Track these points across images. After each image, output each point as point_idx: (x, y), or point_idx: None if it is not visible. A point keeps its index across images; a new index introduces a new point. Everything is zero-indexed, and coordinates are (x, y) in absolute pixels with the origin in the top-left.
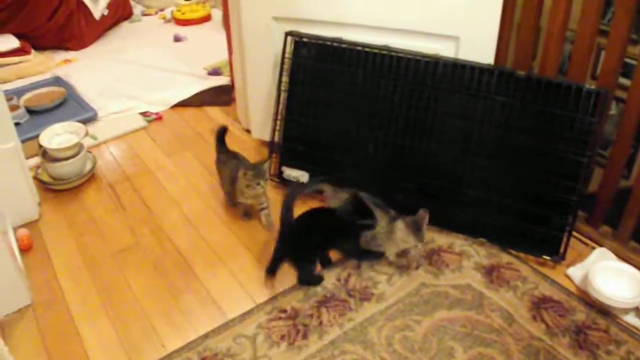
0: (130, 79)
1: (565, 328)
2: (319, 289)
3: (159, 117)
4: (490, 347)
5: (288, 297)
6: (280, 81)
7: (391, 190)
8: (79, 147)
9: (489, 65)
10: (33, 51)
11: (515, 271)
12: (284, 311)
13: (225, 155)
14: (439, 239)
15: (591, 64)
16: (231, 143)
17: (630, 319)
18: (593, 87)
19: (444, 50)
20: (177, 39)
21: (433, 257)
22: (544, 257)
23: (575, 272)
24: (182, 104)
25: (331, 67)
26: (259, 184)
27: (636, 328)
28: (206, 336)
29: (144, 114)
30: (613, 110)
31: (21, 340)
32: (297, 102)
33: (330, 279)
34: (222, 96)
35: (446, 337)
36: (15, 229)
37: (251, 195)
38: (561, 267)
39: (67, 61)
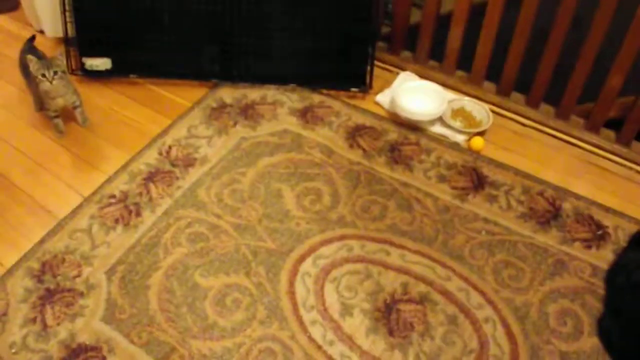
0: None
1: (380, 149)
2: (142, 166)
3: None
4: (314, 180)
5: (114, 182)
6: None
7: (194, 56)
8: None
9: None
10: None
11: (328, 108)
12: (113, 196)
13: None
14: (251, 93)
15: None
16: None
17: (437, 128)
18: None
19: None
20: None
21: (248, 112)
22: (352, 89)
23: (384, 98)
24: None
25: None
26: (44, 75)
27: (442, 135)
28: (42, 241)
29: None
30: None
31: None
32: None
33: (152, 154)
34: (5, 2)
35: (272, 181)
36: None
37: (47, 91)
38: (370, 96)
39: None
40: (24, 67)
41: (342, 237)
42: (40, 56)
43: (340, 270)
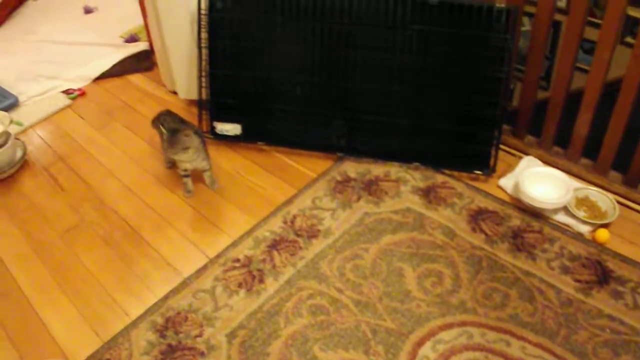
0: (46, 58)
1: (503, 234)
2: (266, 233)
3: (82, 93)
4: (436, 262)
5: (239, 246)
6: (199, 38)
7: (322, 129)
8: (6, 135)
9: None
10: None
11: (451, 189)
12: (237, 260)
13: (170, 119)
14: (375, 169)
15: None
16: (159, 107)
17: (561, 217)
18: (503, 5)
19: None
20: (87, 10)
21: (372, 187)
22: (476, 172)
23: (507, 182)
24: (104, 75)
25: (248, 16)
26: (176, 153)
27: (566, 225)
28: (166, 297)
29: (66, 91)
30: (527, 26)
31: None
32: (219, 56)
33: (277, 222)
34: (143, 62)
35: (394, 260)
36: None
37: (181, 159)
38: (493, 179)
39: None
40: (161, 127)
41: (462, 323)
42: (175, 131)
43: (460, 357)
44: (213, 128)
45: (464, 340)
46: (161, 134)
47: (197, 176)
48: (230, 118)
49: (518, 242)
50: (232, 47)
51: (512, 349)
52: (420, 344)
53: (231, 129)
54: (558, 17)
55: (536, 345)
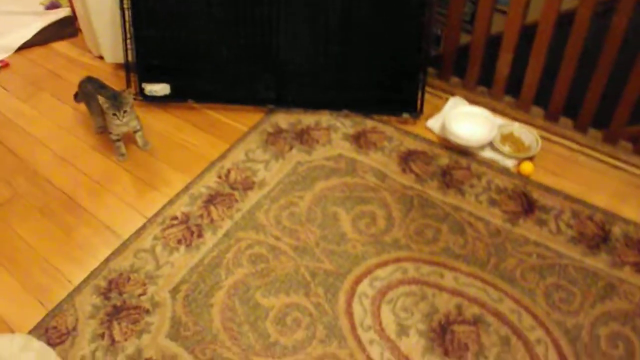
0: None
1: (432, 173)
2: (202, 189)
3: (5, 65)
4: (369, 203)
5: (176, 204)
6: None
7: (251, 84)
8: None
9: None
10: None
11: (381, 133)
12: (175, 218)
13: (91, 85)
14: (306, 119)
15: None
16: (86, 74)
17: (487, 153)
18: None
19: None
20: None
21: (303, 137)
22: (404, 115)
23: (434, 123)
24: (27, 45)
25: None
26: (115, 114)
27: (493, 160)
28: (107, 260)
29: None
30: None
31: None
32: (143, 17)
33: (212, 178)
34: (66, 29)
35: (329, 205)
36: None
37: (117, 124)
38: (421, 121)
39: None
40: (85, 95)
41: (397, 260)
42: (109, 94)
43: (396, 292)
44: (142, 90)
45: (399, 276)
46: (89, 102)
47: (129, 139)
48: (158, 78)
49: (447, 179)
50: (155, 7)
51: (446, 280)
52: (357, 282)
53: (160, 89)
54: None
55: (468, 274)
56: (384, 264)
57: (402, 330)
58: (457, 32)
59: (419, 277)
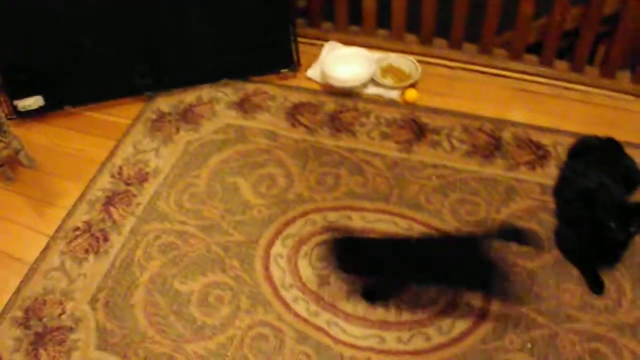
0: None
1: (321, 122)
2: (98, 193)
3: None
4: (265, 166)
5: (75, 215)
6: None
7: (126, 75)
8: None
9: None
10: None
11: (264, 94)
12: (77, 229)
13: None
14: (187, 97)
15: None
16: None
17: (371, 90)
18: None
19: None
20: None
21: (188, 116)
22: (282, 70)
23: (314, 72)
24: None
25: None
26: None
27: (377, 95)
28: (18, 290)
29: None
30: None
31: None
32: (2, 34)
33: (105, 179)
34: None
35: (226, 177)
36: None
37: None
38: (301, 73)
39: None
40: None
41: (304, 214)
42: None
43: (309, 245)
44: (14, 107)
45: (309, 228)
46: None
47: (13, 161)
48: (29, 92)
49: (337, 124)
50: (11, 21)
51: (354, 221)
52: (270, 245)
53: (33, 102)
54: None
55: (374, 211)
56: (292, 221)
57: (323, 280)
58: None
59: (329, 224)
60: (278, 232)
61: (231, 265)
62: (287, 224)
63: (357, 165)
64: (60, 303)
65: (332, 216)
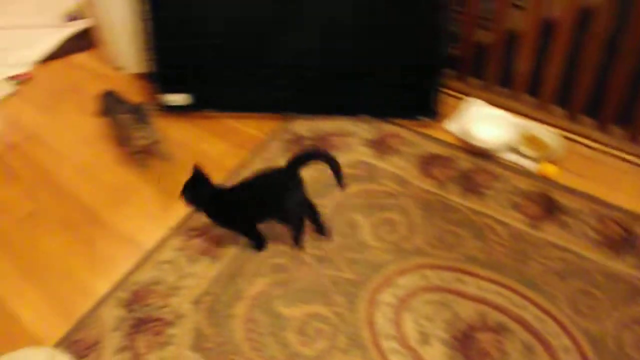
0: None
1: (452, 177)
2: None
3: (28, 77)
4: (389, 210)
5: (196, 215)
6: (142, 10)
7: (270, 91)
8: None
9: None
10: None
11: (400, 138)
12: (197, 229)
13: (111, 99)
14: (324, 125)
15: None
16: (107, 84)
17: (508, 156)
18: None
19: None
20: None
21: (323, 143)
22: (422, 118)
23: (453, 125)
24: (48, 58)
25: None
26: (136, 127)
27: (513, 163)
28: (130, 273)
29: (11, 78)
30: None
31: None
32: (163, 28)
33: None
34: (85, 41)
35: (349, 212)
36: None
37: (139, 137)
38: (440, 124)
39: None
40: (106, 109)
41: (418, 267)
42: (130, 108)
43: (418, 300)
44: (162, 100)
45: (420, 283)
46: (109, 116)
47: (150, 151)
48: (178, 89)
49: (467, 183)
50: (174, 18)
51: (468, 286)
52: (378, 290)
53: (180, 99)
54: None
55: (490, 280)
56: (405, 271)
57: (425, 339)
58: (473, 29)
59: (441, 283)
60: (389, 280)
61: (336, 301)
62: (400, 273)
63: (480, 229)
64: (166, 296)
65: (447, 276)
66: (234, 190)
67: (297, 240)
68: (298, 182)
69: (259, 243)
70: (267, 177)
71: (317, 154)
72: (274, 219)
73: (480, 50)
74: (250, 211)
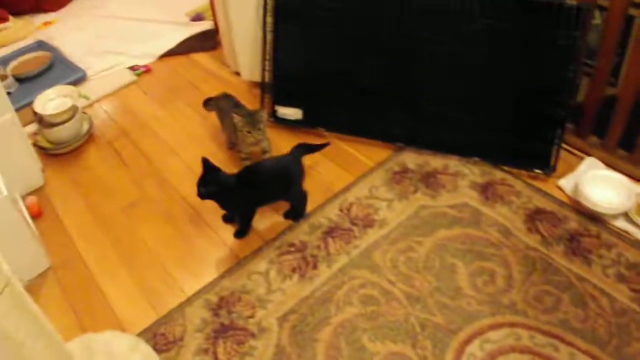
0: (114, 34)
1: (559, 237)
2: (322, 220)
3: (147, 70)
4: (489, 260)
5: (295, 231)
6: (265, 22)
7: (383, 119)
8: (74, 109)
9: None
10: (11, 17)
11: (509, 187)
12: (292, 245)
13: (227, 102)
14: (434, 161)
15: None
16: (222, 87)
17: (621, 223)
18: (574, 2)
19: None
20: None
21: (429, 180)
22: (536, 170)
23: (566, 182)
24: (169, 53)
25: (314, 1)
26: (249, 132)
27: (626, 232)
28: (221, 277)
29: (132, 68)
30: (598, 19)
31: (47, 303)
32: (284, 40)
33: (333, 209)
34: (207, 41)
35: (447, 255)
36: (23, 197)
37: (249, 143)
38: (552, 179)
39: (47, 23)
40: (220, 111)
41: (511, 324)
42: (244, 113)
43: (507, 358)
44: (274, 112)
45: (512, 342)
46: (222, 118)
47: (258, 158)
48: (291, 102)
49: (574, 245)
50: (297, 31)
51: (561, 354)
52: (468, 341)
53: (292, 113)
54: (631, 11)
55: (585, 352)
56: (498, 326)
57: None
58: (603, 87)
59: (533, 346)
60: (480, 332)
61: (423, 345)
62: (492, 327)
63: (582, 297)
64: (253, 307)
65: (540, 340)
66: (241, 175)
67: (299, 213)
68: (302, 167)
69: (245, 230)
70: (277, 161)
71: (318, 147)
72: (281, 199)
73: (605, 108)
74: (259, 194)
